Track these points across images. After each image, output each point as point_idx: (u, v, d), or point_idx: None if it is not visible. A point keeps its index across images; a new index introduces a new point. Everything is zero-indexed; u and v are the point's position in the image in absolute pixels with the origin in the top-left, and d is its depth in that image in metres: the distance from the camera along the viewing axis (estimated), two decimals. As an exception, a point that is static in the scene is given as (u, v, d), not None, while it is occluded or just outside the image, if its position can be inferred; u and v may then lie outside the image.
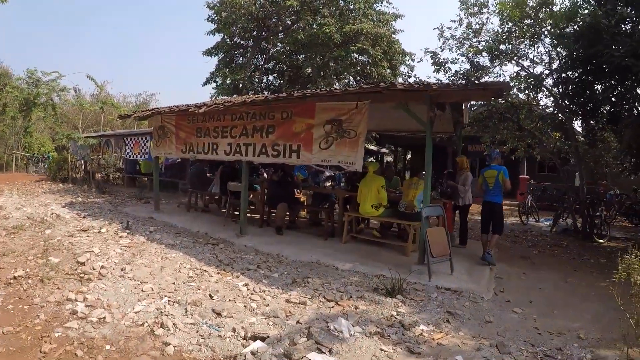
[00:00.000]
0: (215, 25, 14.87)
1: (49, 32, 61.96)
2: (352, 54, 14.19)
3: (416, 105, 5.41)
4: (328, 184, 8.61)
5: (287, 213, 7.51)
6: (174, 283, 4.25)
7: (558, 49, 9.52)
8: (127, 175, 14.39)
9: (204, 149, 7.48)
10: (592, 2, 6.72)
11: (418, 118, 5.15)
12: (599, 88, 8.48)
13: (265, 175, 9.75)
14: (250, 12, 13.51)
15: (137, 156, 13.37)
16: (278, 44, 15.96)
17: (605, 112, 8.81)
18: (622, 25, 6.66)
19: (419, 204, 6.26)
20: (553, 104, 10.40)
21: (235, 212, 8.31)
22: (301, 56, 16.37)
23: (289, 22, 15.65)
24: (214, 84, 15.57)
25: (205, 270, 4.71)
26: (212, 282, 4.37)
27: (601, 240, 8.85)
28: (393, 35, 14.33)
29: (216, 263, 5.12)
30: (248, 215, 7.62)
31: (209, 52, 15.59)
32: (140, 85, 76.45)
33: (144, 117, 8.91)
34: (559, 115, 10.33)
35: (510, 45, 9.95)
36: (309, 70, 16.01)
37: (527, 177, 16.09)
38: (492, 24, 17.76)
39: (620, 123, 8.53)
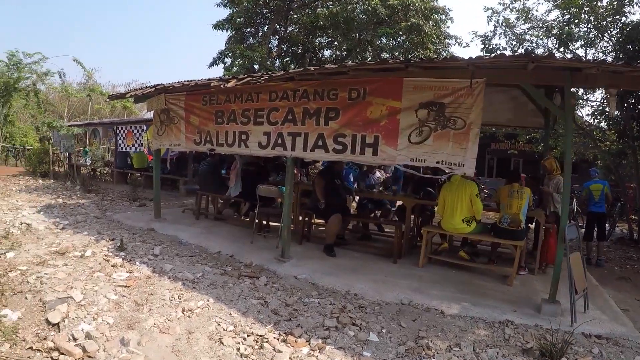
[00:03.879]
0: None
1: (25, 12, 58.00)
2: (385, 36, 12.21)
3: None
4: (381, 188, 6.81)
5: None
6: (222, 374, 2.42)
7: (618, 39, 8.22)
8: (117, 171, 12.31)
9: (227, 139, 5.53)
10: None
11: (553, 106, 3.58)
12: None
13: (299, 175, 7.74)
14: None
15: (130, 148, 11.40)
16: (293, 24, 13.83)
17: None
18: None
19: (524, 218, 4.74)
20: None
21: (264, 222, 6.51)
22: (318, 39, 14.29)
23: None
24: (222, 65, 13.39)
25: (262, 337, 2.86)
26: (287, 365, 2.54)
27: (667, 250, 7.64)
28: (447, 12, 12.41)
29: (270, 317, 3.27)
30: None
31: (220, 25, 13.12)
32: (131, 74, 72.97)
33: (142, 97, 6.93)
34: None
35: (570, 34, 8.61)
36: (327, 53, 13.99)
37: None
38: (536, 11, 16.84)
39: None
